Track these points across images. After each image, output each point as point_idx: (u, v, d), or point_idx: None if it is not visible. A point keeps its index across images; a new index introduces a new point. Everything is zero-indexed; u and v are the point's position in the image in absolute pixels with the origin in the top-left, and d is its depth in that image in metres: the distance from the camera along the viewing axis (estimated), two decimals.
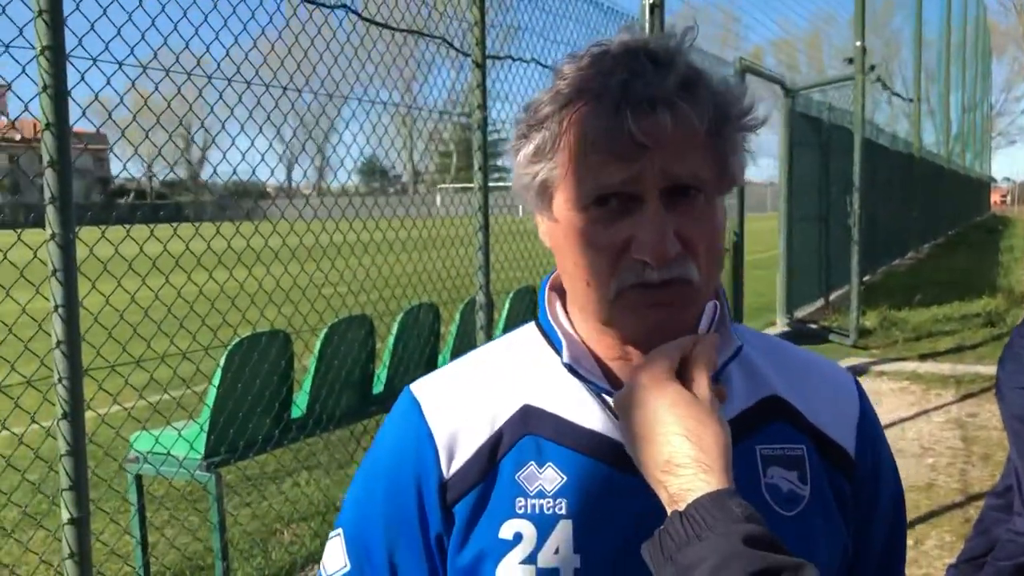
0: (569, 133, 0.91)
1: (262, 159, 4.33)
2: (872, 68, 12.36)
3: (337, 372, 4.48)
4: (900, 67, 25.67)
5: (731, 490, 0.81)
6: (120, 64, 3.20)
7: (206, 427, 3.83)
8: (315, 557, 4.32)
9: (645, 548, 0.82)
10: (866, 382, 8.26)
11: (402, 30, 4.76)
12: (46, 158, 2.63)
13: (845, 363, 8.95)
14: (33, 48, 2.63)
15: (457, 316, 5.33)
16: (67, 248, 2.66)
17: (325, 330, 4.47)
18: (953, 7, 33.59)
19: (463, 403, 1.02)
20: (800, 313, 11.39)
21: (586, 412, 0.98)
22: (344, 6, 4.30)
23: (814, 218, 11.98)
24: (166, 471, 3.90)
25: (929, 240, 24.91)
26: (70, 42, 2.69)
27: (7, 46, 2.77)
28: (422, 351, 5.14)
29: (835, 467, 1.02)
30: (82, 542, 2.75)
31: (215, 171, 4.10)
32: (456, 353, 5.12)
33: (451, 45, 5.07)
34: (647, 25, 5.89)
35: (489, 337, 4.85)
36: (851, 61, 11.06)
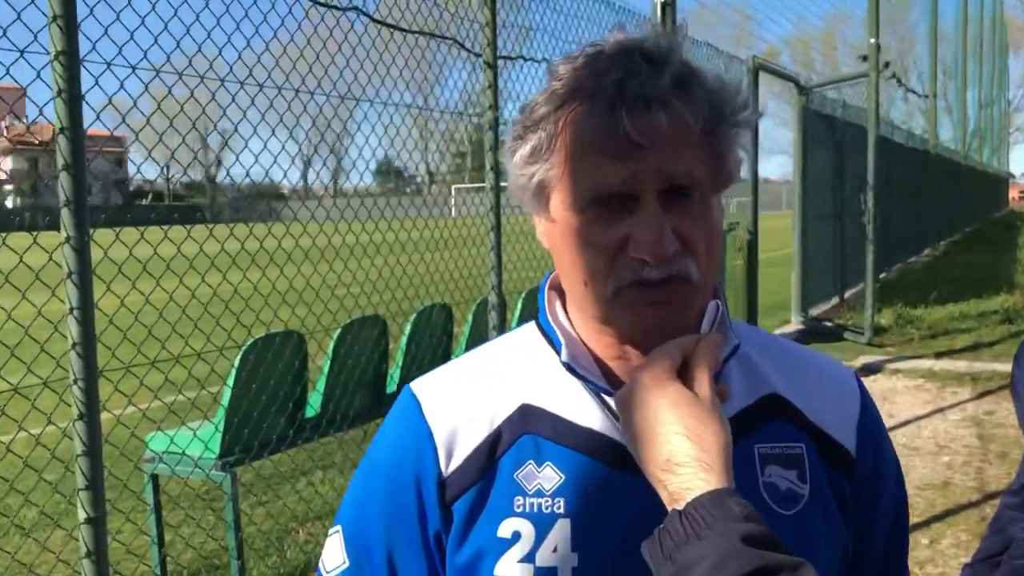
0: (565, 133, 0.91)
1: (275, 161, 4.35)
2: (887, 65, 12.29)
3: (350, 372, 4.51)
4: (916, 63, 25.51)
5: (731, 489, 0.81)
6: (134, 68, 3.23)
7: (221, 427, 3.86)
8: None
9: (645, 547, 0.83)
10: (881, 380, 8.22)
11: (413, 32, 4.78)
12: (60, 162, 2.66)
13: (860, 361, 8.90)
14: (48, 53, 2.66)
15: (470, 316, 5.35)
16: (82, 251, 2.68)
17: (339, 330, 4.49)
18: (969, 2, 33.35)
19: (463, 401, 1.02)
20: (815, 311, 11.34)
21: (585, 411, 0.98)
22: (355, 8, 4.32)
23: (829, 216, 11.92)
24: (181, 471, 3.93)
25: (946, 237, 24.72)
26: (84, 47, 2.72)
27: (22, 51, 2.80)
28: (435, 351, 5.16)
29: (835, 466, 1.02)
30: (99, 541, 2.78)
31: (228, 173, 4.13)
32: None
33: (462, 46, 5.08)
34: (659, 23, 5.88)
35: None
36: (865, 58, 10.99)
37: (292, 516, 4.86)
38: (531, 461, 0.97)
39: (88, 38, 2.83)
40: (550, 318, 1.03)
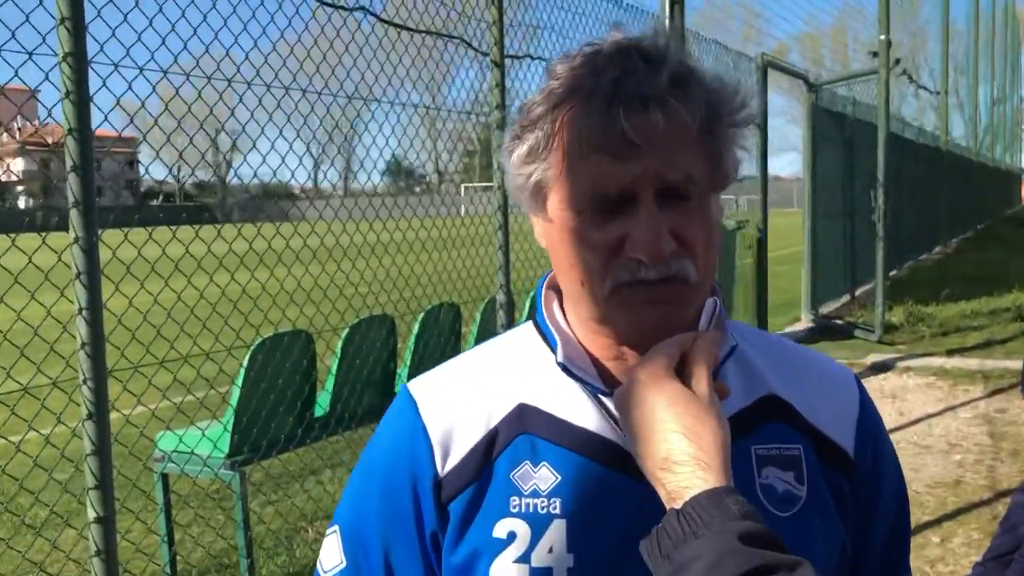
0: (562, 133, 0.91)
1: (283, 161, 4.37)
2: (897, 62, 12.24)
3: (359, 371, 4.52)
4: (927, 59, 25.39)
5: (729, 488, 0.81)
6: (141, 69, 3.24)
7: (230, 426, 3.88)
8: None
9: (643, 545, 0.82)
10: (892, 378, 8.19)
11: (420, 31, 4.79)
12: (69, 163, 2.67)
13: (870, 359, 8.87)
14: (56, 55, 2.67)
15: (478, 315, 5.35)
16: (90, 251, 2.70)
17: (347, 330, 4.50)
18: None
19: (459, 401, 1.02)
20: (825, 309, 11.29)
21: (581, 412, 0.98)
22: (362, 8, 4.32)
23: (839, 213, 11.87)
24: (191, 470, 3.95)
25: (957, 234, 24.58)
26: (92, 48, 2.73)
27: (31, 53, 2.81)
28: (443, 350, 5.16)
29: (833, 467, 1.01)
30: (108, 540, 2.80)
31: (235, 173, 4.15)
32: None
33: (469, 45, 5.08)
34: (667, 21, 5.87)
35: None
36: (876, 55, 10.94)
37: (301, 515, 4.87)
38: (527, 461, 0.97)
39: (96, 40, 2.84)
40: (547, 318, 1.03)
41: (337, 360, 4.47)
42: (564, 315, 1.03)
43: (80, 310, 2.70)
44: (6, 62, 2.80)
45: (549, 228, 0.97)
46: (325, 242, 4.32)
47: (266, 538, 4.61)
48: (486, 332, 5.28)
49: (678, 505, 0.81)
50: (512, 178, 0.97)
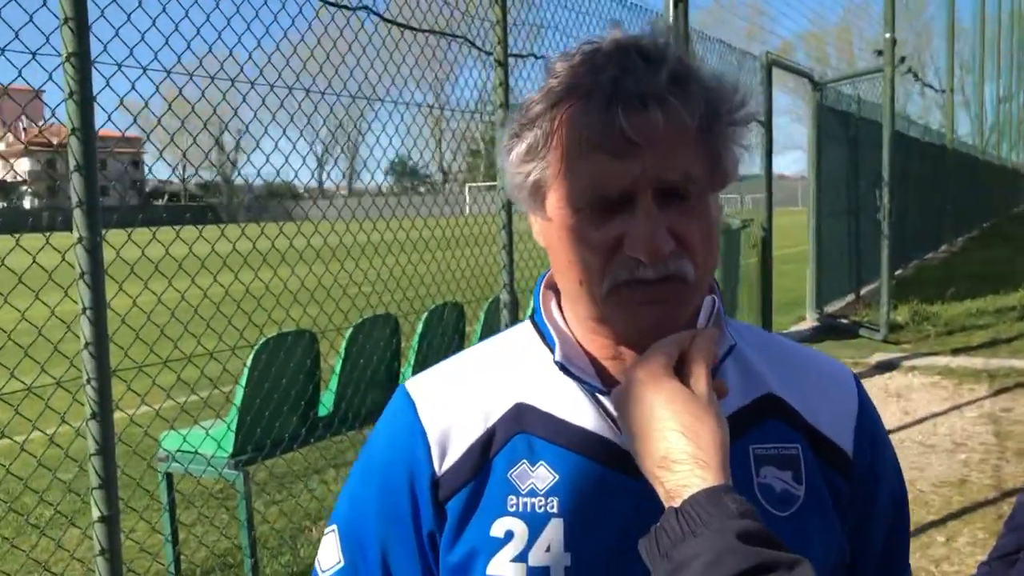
0: (561, 131, 0.91)
1: (286, 161, 4.37)
2: (902, 60, 12.20)
3: (363, 371, 4.52)
4: (932, 58, 25.36)
5: (727, 486, 0.81)
6: (144, 69, 3.25)
7: (234, 426, 3.88)
8: None
9: (642, 544, 0.82)
10: (897, 377, 8.17)
11: (423, 30, 4.79)
12: (72, 163, 2.68)
13: (875, 358, 8.85)
14: (59, 55, 2.68)
15: (482, 315, 5.35)
16: (94, 251, 2.70)
17: (351, 329, 4.50)
18: None
19: (457, 400, 1.02)
20: (830, 308, 11.27)
21: (579, 411, 0.98)
22: (365, 7, 4.33)
23: (844, 212, 11.85)
24: (195, 469, 3.96)
25: (963, 233, 24.51)
26: (95, 48, 2.74)
27: (34, 53, 2.82)
28: (447, 350, 5.16)
29: (832, 466, 1.01)
30: (112, 539, 2.80)
31: (239, 173, 4.16)
32: None
33: (473, 44, 5.09)
34: (671, 20, 5.86)
35: None
36: (881, 53, 10.91)
37: (305, 514, 4.88)
38: (525, 460, 0.97)
39: (100, 40, 2.85)
40: (545, 317, 1.03)
41: (341, 360, 4.47)
42: (562, 314, 1.03)
43: (84, 310, 2.71)
44: (10, 62, 2.82)
45: (547, 227, 0.97)
46: (329, 242, 4.33)
47: (270, 537, 4.62)
48: (490, 332, 5.27)
49: (676, 504, 0.81)
50: (510, 176, 0.97)
